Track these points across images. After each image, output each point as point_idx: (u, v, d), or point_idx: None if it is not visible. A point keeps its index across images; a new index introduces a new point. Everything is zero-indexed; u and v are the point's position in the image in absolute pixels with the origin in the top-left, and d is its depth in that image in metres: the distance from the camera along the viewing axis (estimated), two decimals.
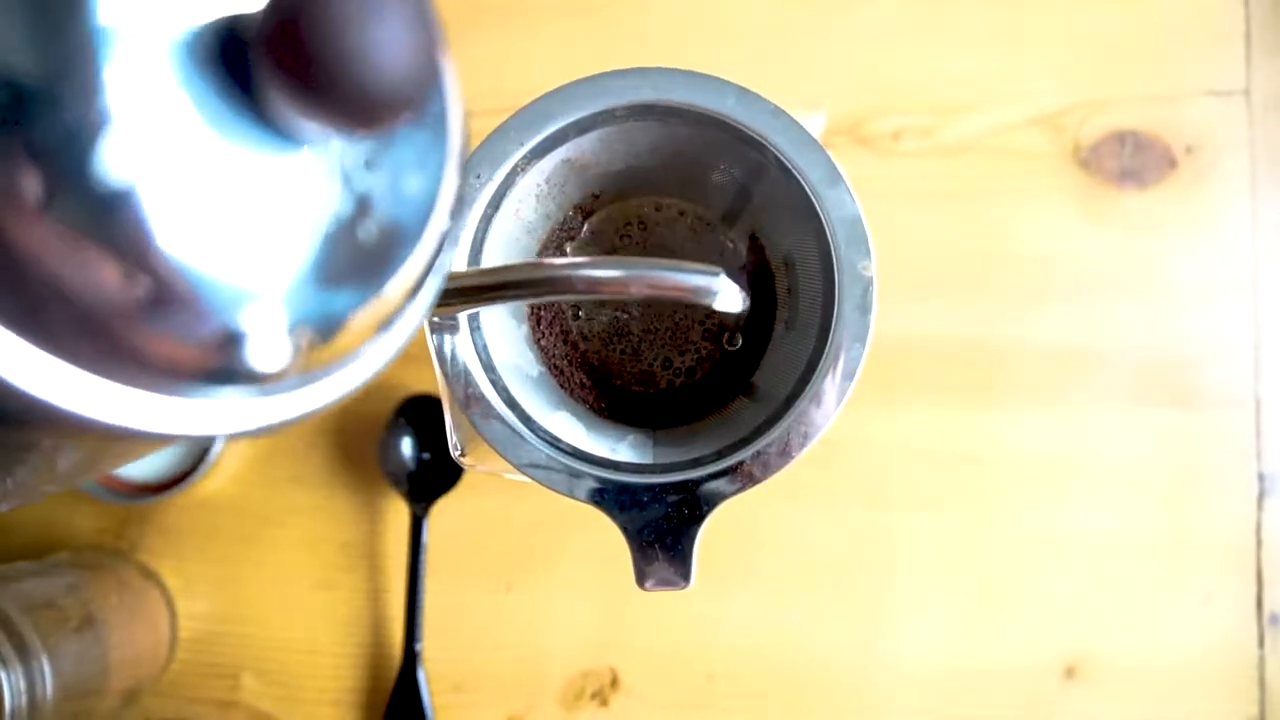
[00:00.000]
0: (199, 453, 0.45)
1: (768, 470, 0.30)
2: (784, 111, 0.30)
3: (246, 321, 0.14)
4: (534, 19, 0.47)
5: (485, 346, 0.31)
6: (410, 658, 0.44)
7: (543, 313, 0.36)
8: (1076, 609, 0.43)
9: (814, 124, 0.30)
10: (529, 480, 0.30)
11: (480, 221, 0.31)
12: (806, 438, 0.30)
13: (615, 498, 0.29)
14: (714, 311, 0.35)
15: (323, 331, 0.16)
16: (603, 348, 0.36)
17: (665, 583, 0.29)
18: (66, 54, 0.12)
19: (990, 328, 0.44)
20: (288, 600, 0.46)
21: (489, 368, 0.31)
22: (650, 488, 0.30)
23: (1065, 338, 0.44)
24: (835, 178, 0.30)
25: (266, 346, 0.15)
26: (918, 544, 0.44)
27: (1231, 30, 0.44)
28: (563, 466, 0.30)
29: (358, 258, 0.16)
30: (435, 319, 0.30)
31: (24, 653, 0.36)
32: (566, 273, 0.24)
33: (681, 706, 0.44)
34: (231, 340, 0.14)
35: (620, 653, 0.45)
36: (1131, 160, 0.44)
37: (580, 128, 0.31)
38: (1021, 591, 0.44)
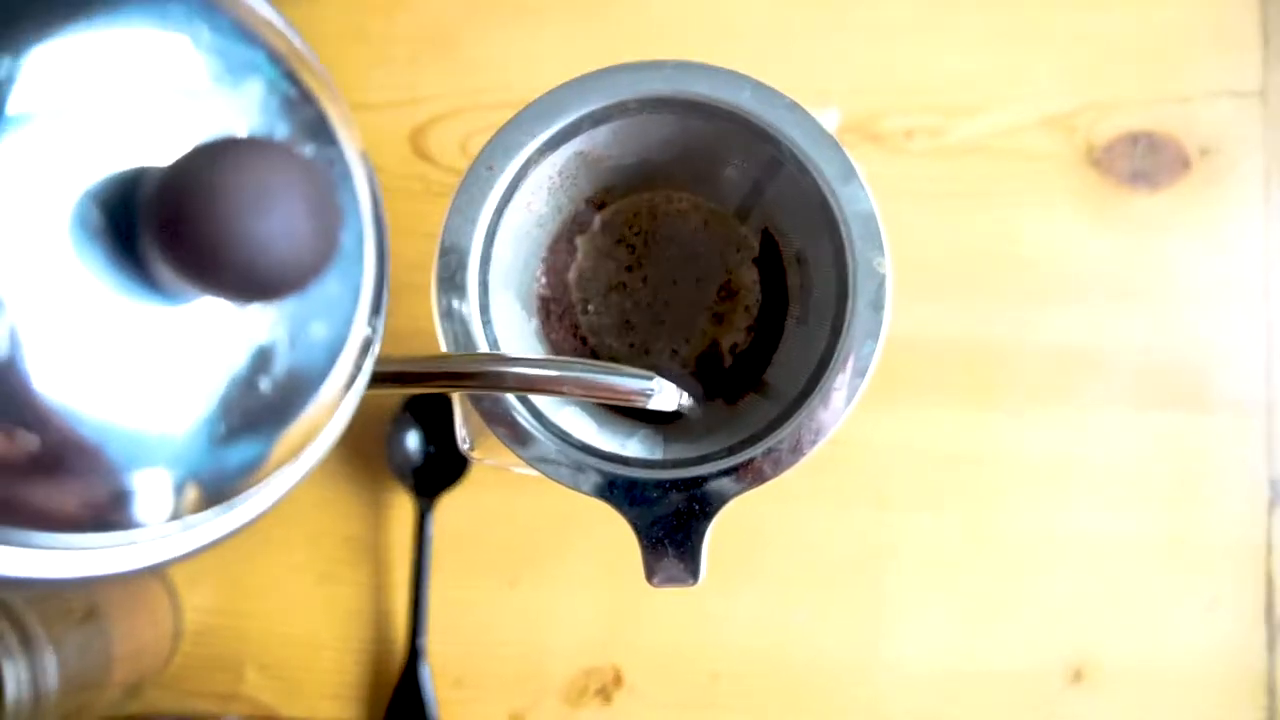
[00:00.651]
0: None
1: (779, 467, 0.29)
2: (800, 106, 0.30)
3: (134, 480, 0.14)
4: (540, 16, 0.47)
5: (496, 341, 0.31)
6: (413, 653, 0.44)
7: (553, 307, 0.36)
8: (1081, 611, 0.43)
9: (828, 120, 0.30)
10: (537, 474, 0.30)
11: (493, 215, 0.30)
12: (818, 435, 0.29)
13: (625, 493, 0.29)
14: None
15: (217, 483, 0.15)
16: (615, 341, 0.36)
17: (674, 580, 0.29)
18: None
19: (996, 328, 0.44)
20: (291, 594, 0.46)
21: None
22: (660, 483, 0.29)
23: (1072, 339, 0.44)
24: (850, 173, 0.29)
25: (154, 502, 0.14)
26: (921, 544, 0.44)
27: (1247, 31, 0.44)
28: (571, 461, 0.29)
29: (257, 408, 0.15)
30: (441, 310, 0.30)
31: (28, 643, 0.36)
32: (500, 368, 0.24)
33: (685, 705, 0.44)
34: (118, 497, 0.14)
35: (624, 650, 0.45)
36: (1144, 162, 0.44)
37: (593, 120, 0.30)
38: (1025, 594, 0.43)
